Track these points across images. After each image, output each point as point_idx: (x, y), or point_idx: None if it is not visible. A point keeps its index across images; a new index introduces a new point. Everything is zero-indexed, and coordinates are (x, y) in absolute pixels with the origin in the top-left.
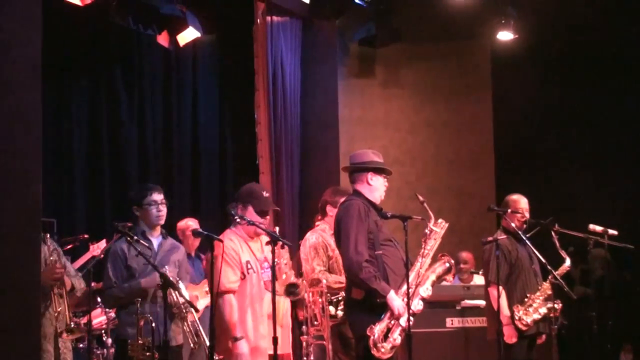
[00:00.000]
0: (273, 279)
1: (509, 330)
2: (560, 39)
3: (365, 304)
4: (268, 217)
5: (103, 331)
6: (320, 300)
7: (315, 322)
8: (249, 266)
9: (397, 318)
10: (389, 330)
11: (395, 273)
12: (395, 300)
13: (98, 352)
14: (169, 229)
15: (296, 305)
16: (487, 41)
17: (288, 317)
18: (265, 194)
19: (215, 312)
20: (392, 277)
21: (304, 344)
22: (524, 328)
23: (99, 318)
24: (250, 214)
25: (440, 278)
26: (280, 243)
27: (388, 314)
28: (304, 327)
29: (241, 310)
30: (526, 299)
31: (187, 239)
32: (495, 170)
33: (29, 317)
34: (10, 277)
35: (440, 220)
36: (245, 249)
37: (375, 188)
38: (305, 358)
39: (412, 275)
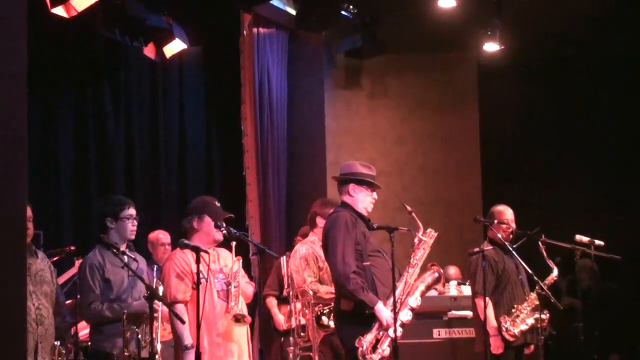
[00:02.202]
0: (259, 289)
1: (496, 342)
2: (546, 50)
3: (354, 315)
4: (223, 226)
5: (89, 343)
6: (307, 311)
7: (302, 333)
8: (201, 276)
9: (386, 329)
10: (377, 341)
11: (384, 284)
12: (383, 311)
13: None
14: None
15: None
16: (473, 52)
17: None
18: (217, 204)
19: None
20: (380, 288)
21: (291, 355)
22: (511, 339)
23: (85, 330)
24: (207, 224)
25: (429, 288)
26: (236, 256)
27: (376, 325)
28: (291, 337)
29: (193, 320)
30: (513, 310)
31: (157, 251)
32: (482, 181)
33: (13, 330)
34: None
35: (429, 230)
36: (201, 262)
37: (358, 199)
38: None
39: (400, 286)
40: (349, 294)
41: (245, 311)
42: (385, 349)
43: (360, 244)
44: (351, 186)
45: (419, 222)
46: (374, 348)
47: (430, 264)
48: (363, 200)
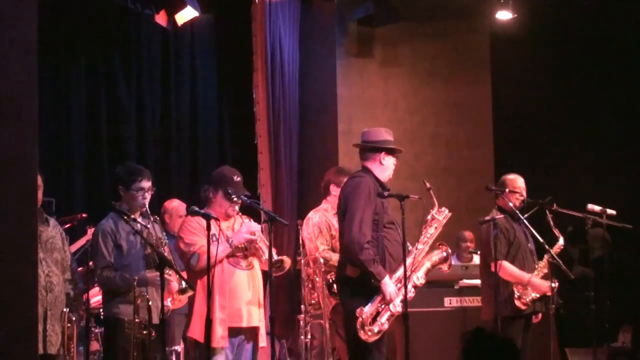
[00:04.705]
0: (270, 260)
1: (535, 286)
2: (559, 19)
3: (359, 282)
4: (238, 201)
5: (101, 310)
6: (318, 279)
7: (313, 301)
8: (213, 239)
9: (388, 303)
10: (378, 313)
11: (393, 257)
12: (389, 285)
13: (96, 330)
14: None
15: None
16: (485, 20)
17: (260, 291)
18: (237, 179)
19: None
20: (389, 261)
21: (302, 322)
22: (523, 307)
23: (97, 297)
24: (220, 197)
25: (435, 266)
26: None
27: (379, 298)
28: (302, 305)
29: (204, 286)
30: None
31: (173, 220)
32: (494, 150)
33: (24, 296)
34: (5, 257)
35: (443, 209)
36: (213, 226)
37: (387, 168)
38: (302, 336)
39: (409, 261)
40: (359, 263)
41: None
42: (384, 322)
43: (379, 214)
44: (383, 154)
45: (434, 199)
46: (374, 320)
47: (439, 243)
48: (390, 167)
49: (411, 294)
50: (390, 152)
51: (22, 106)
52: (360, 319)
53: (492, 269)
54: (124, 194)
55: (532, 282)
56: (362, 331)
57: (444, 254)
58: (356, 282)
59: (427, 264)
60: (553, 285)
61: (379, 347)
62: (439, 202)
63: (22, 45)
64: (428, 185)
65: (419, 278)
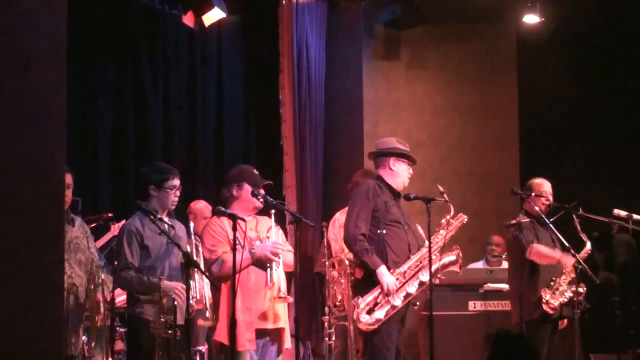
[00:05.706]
0: (296, 261)
1: (567, 263)
2: (587, 23)
3: (365, 283)
4: (260, 195)
5: (125, 309)
6: (342, 280)
7: (337, 303)
8: (237, 242)
9: (387, 294)
10: (376, 304)
11: (396, 254)
12: (385, 275)
13: (120, 329)
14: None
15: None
16: (512, 24)
17: (284, 291)
18: (256, 172)
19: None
20: (391, 257)
21: (326, 324)
22: (551, 312)
23: (122, 296)
24: (247, 192)
25: (445, 267)
26: (276, 229)
27: (378, 289)
28: (326, 307)
29: (228, 286)
30: (552, 283)
31: (198, 221)
32: (520, 154)
33: (52, 297)
34: (33, 258)
35: (459, 214)
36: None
37: (397, 173)
38: (326, 338)
39: (414, 258)
40: (354, 255)
41: (284, 289)
42: (382, 312)
43: (379, 212)
44: (392, 160)
45: (449, 203)
46: (371, 310)
47: (454, 247)
48: (402, 173)
49: (414, 288)
50: (400, 157)
51: (51, 105)
52: (356, 310)
53: (527, 254)
54: (156, 194)
55: (563, 260)
56: (359, 321)
57: (454, 257)
58: (362, 283)
59: (437, 264)
60: (581, 290)
61: (390, 348)
62: (464, 205)
63: (52, 44)
64: (441, 189)
65: (424, 274)
